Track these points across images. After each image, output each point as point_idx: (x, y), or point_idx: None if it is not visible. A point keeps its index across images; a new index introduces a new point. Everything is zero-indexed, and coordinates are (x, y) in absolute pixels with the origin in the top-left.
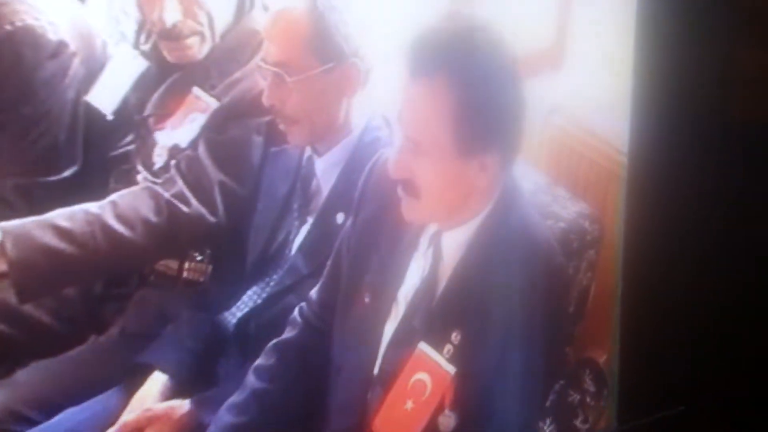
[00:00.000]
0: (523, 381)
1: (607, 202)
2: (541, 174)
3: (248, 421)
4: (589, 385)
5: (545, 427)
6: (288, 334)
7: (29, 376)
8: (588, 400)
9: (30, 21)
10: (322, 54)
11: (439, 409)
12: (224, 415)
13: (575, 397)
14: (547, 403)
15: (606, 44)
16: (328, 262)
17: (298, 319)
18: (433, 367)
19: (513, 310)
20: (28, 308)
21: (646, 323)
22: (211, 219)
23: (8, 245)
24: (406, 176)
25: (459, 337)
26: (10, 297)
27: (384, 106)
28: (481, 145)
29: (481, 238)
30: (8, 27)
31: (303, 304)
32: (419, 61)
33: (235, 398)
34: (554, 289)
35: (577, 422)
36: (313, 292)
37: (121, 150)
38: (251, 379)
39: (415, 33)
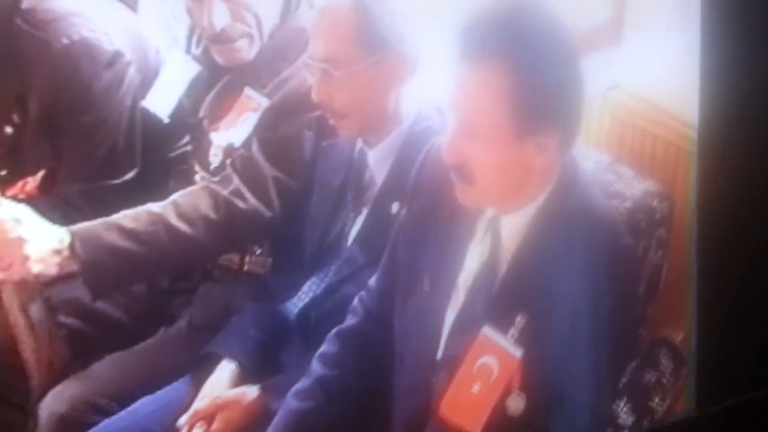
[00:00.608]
0: (594, 362)
1: (677, 178)
2: (602, 153)
3: (314, 406)
4: (666, 365)
5: (620, 408)
6: (349, 322)
7: (104, 369)
8: (664, 380)
9: (86, 33)
10: (368, 46)
11: (507, 392)
12: (291, 401)
13: (651, 377)
14: (621, 384)
15: (670, 11)
16: (385, 252)
17: (359, 307)
18: (498, 350)
19: (579, 292)
20: (100, 305)
21: (723, 303)
22: (268, 213)
23: (78, 247)
24: (460, 161)
25: (523, 321)
26: (84, 295)
27: (434, 95)
28: (538, 125)
29: (542, 221)
30: (65, 41)
31: (363, 292)
32: (473, 44)
33: (300, 385)
34: (622, 270)
35: (653, 403)
36: (372, 282)
37: (178, 152)
38: (315, 367)
39: (467, 16)
